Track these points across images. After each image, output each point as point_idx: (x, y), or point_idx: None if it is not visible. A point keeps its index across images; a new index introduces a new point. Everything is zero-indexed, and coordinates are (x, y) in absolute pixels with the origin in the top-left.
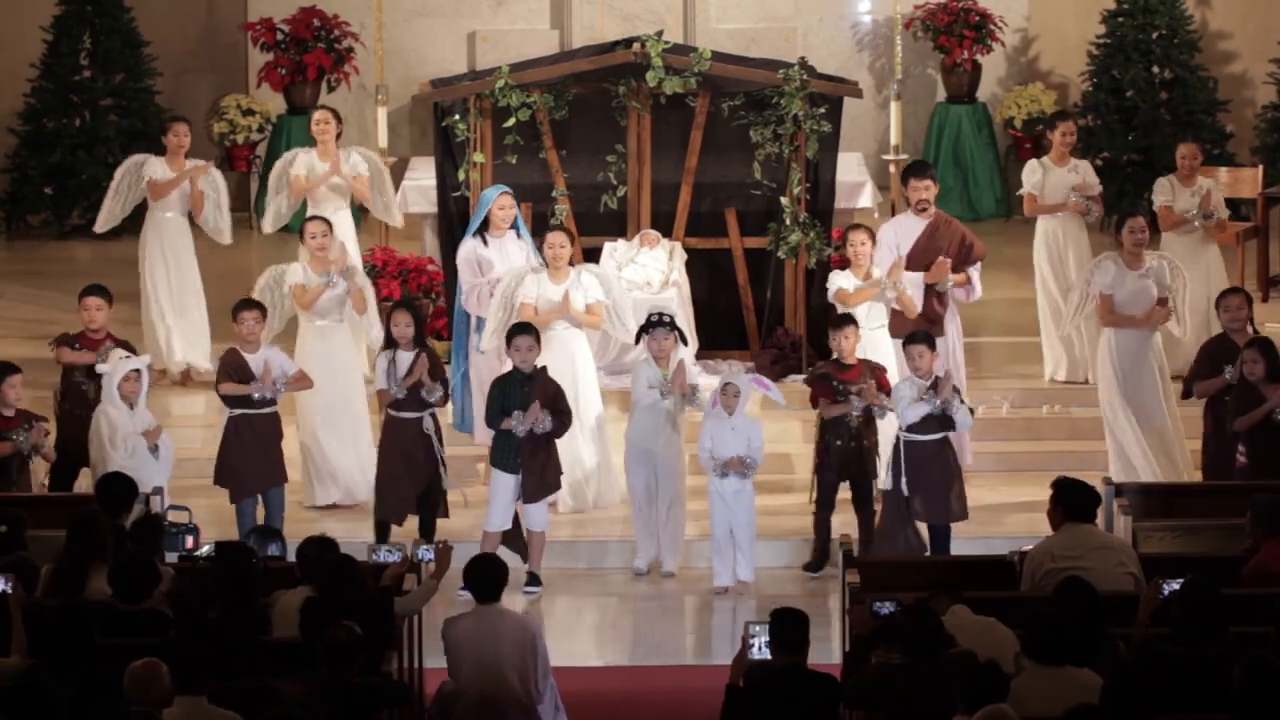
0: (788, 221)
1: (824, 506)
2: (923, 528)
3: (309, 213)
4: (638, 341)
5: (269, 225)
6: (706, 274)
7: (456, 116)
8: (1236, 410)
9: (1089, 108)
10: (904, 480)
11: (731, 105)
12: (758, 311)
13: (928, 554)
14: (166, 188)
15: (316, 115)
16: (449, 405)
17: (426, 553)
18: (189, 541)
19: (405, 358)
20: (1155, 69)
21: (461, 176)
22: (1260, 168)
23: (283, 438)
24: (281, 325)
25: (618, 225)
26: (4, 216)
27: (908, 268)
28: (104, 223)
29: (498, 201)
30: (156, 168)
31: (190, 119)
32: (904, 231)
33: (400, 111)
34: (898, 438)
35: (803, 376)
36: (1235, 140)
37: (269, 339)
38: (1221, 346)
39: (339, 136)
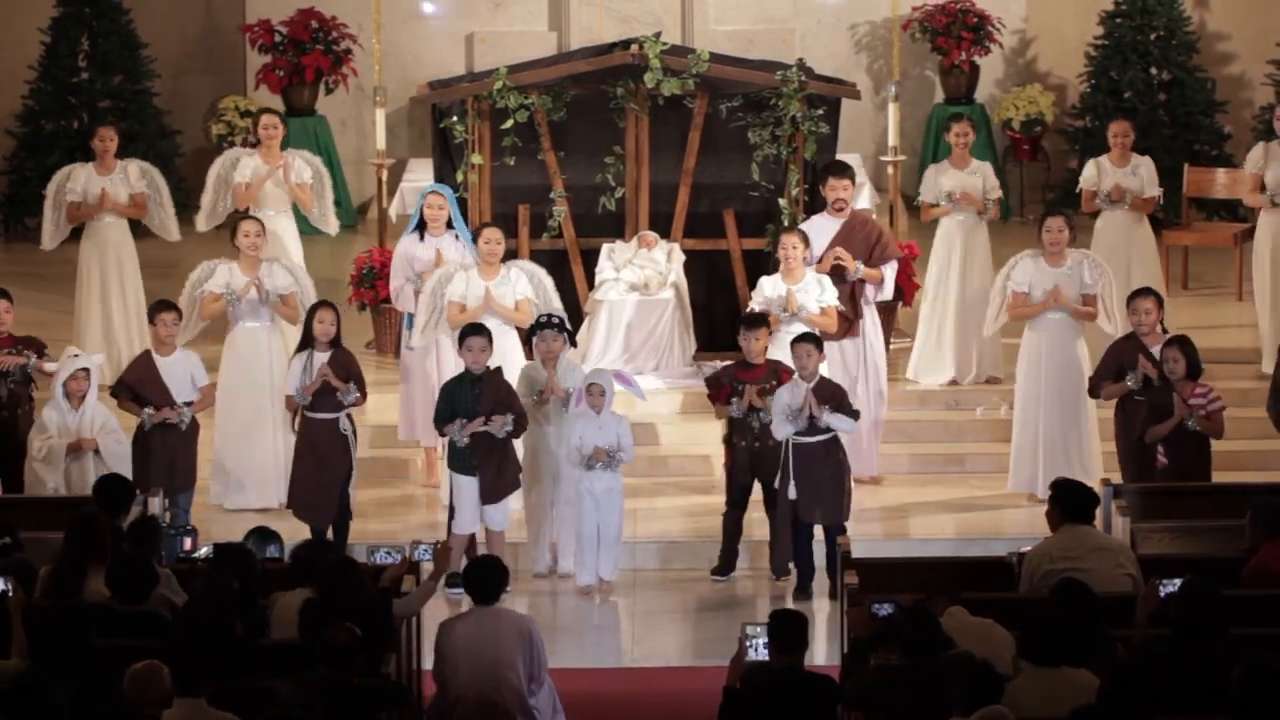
0: (786, 223)
1: (732, 506)
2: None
3: (250, 212)
4: (528, 343)
5: (203, 223)
6: (704, 275)
7: (454, 118)
8: (1150, 417)
9: (1087, 109)
10: (791, 484)
11: (730, 107)
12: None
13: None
14: (79, 216)
15: (264, 119)
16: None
17: (425, 554)
18: (187, 543)
19: (321, 359)
20: (1153, 70)
21: (460, 178)
22: None
23: (197, 440)
24: (196, 330)
25: (616, 226)
26: (2, 219)
27: (819, 266)
28: (50, 239)
29: (427, 200)
30: (80, 177)
31: (188, 120)
32: (818, 231)
33: (398, 113)
34: (786, 440)
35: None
36: (1233, 141)
37: (185, 340)
38: (1129, 347)
39: (284, 140)
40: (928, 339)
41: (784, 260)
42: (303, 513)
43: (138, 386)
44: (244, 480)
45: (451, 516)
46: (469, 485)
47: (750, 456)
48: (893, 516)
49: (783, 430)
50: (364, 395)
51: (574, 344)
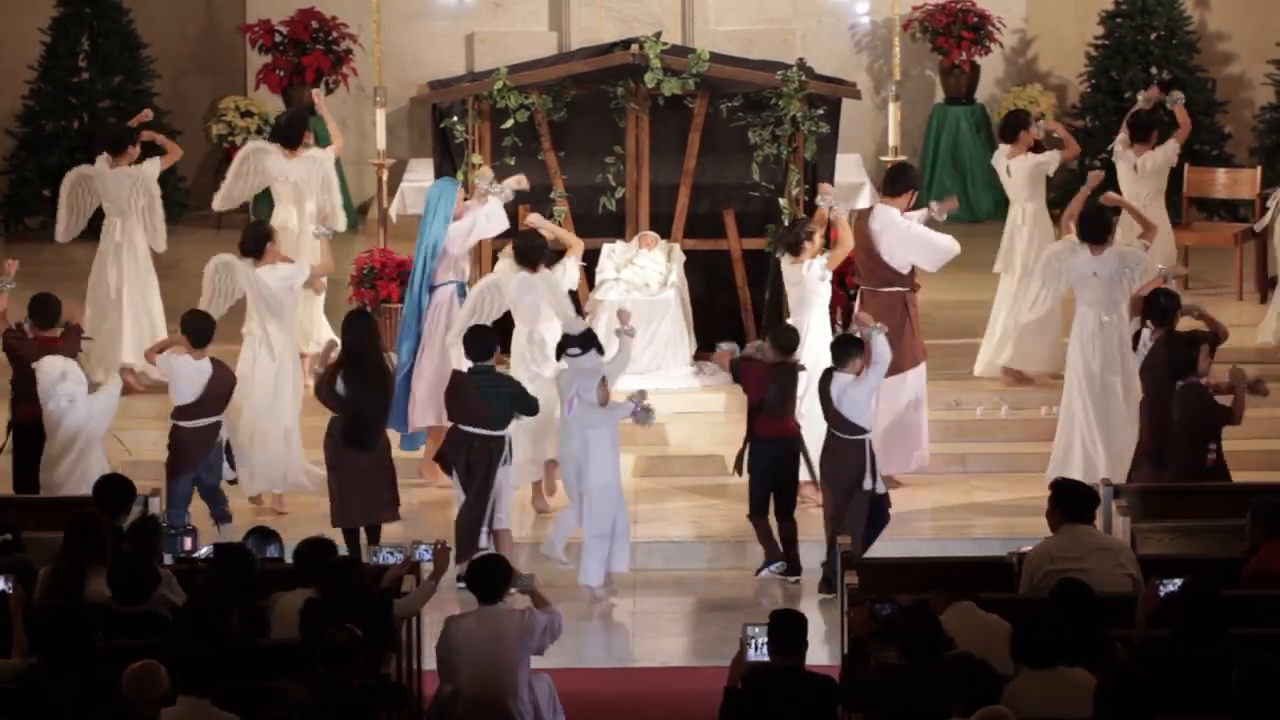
0: (786, 223)
1: (755, 511)
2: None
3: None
4: (559, 358)
5: (220, 204)
6: (705, 275)
7: (455, 118)
8: (1183, 408)
9: (1087, 109)
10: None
11: (730, 107)
12: (756, 313)
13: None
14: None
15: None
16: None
17: (425, 554)
18: (187, 543)
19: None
20: (1154, 70)
21: (460, 178)
22: (1259, 169)
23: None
24: (223, 310)
25: (616, 227)
26: (2, 219)
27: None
28: (66, 233)
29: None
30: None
31: (188, 120)
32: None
33: (399, 113)
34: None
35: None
36: (1233, 141)
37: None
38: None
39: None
40: (993, 330)
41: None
42: (377, 515)
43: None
44: (250, 468)
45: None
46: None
47: (770, 461)
48: (893, 516)
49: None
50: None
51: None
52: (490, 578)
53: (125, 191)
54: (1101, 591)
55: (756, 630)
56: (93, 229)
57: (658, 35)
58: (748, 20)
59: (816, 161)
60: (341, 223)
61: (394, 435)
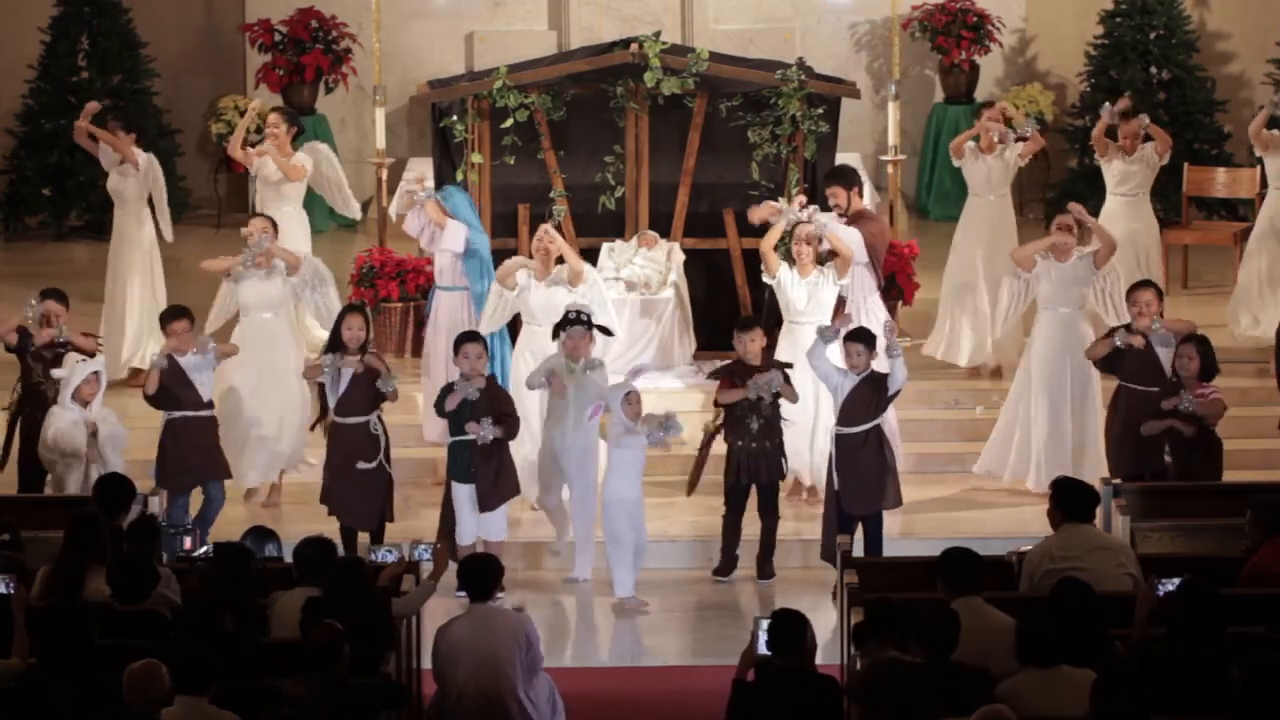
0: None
1: (731, 510)
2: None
3: (258, 210)
4: (555, 339)
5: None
6: (704, 274)
7: (454, 117)
8: (1158, 414)
9: (1087, 108)
10: (835, 475)
11: (729, 106)
12: (756, 312)
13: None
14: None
15: (270, 118)
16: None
17: (424, 553)
18: (187, 542)
19: (348, 364)
20: (1153, 69)
21: (459, 177)
22: (1258, 168)
23: (218, 437)
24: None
25: (616, 226)
26: (2, 218)
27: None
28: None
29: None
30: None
31: (187, 119)
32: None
33: (398, 112)
34: (834, 433)
35: None
36: (1233, 140)
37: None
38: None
39: (296, 136)
40: (952, 321)
41: (797, 256)
42: (346, 517)
43: (169, 390)
44: (250, 461)
45: (443, 522)
46: (465, 492)
47: (745, 456)
48: (893, 516)
49: (817, 350)
50: (397, 392)
51: (610, 334)
52: (483, 575)
53: (150, 172)
54: (1101, 590)
55: (766, 624)
56: (90, 226)
57: (657, 34)
58: (747, 19)
59: (816, 161)
60: (356, 210)
61: None
